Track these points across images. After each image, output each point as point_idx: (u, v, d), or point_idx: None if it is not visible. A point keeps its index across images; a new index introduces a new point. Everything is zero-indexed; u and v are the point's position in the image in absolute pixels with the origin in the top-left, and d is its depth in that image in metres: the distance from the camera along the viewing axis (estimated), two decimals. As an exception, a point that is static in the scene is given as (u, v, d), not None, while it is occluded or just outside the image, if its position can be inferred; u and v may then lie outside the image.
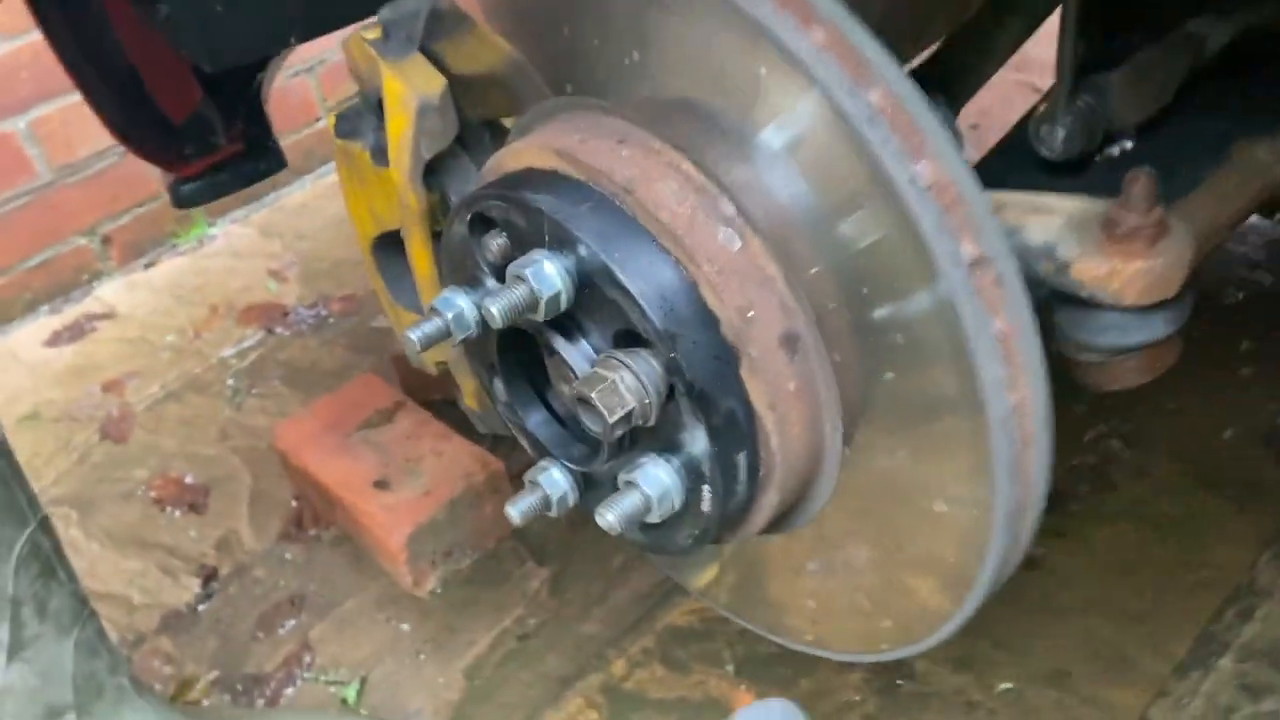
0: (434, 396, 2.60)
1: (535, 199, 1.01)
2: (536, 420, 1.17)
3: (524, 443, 1.22)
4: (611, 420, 0.94)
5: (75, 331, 3.14)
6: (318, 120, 3.69)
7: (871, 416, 0.99)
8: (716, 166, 0.97)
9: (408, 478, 2.27)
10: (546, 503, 1.12)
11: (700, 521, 1.04)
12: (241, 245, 3.42)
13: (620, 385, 0.95)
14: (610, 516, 1.00)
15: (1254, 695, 1.72)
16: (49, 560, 1.48)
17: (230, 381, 2.86)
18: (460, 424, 2.39)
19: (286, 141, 3.50)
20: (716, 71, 0.93)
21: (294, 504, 2.45)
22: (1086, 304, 0.99)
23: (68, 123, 3.10)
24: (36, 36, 2.97)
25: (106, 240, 3.32)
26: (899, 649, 1.14)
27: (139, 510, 2.50)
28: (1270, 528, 2.00)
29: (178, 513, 2.50)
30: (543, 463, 1.13)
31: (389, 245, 1.37)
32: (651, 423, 0.97)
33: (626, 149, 1.01)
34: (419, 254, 1.25)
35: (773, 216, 0.96)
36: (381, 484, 2.26)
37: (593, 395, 0.95)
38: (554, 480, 1.12)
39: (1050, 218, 1.01)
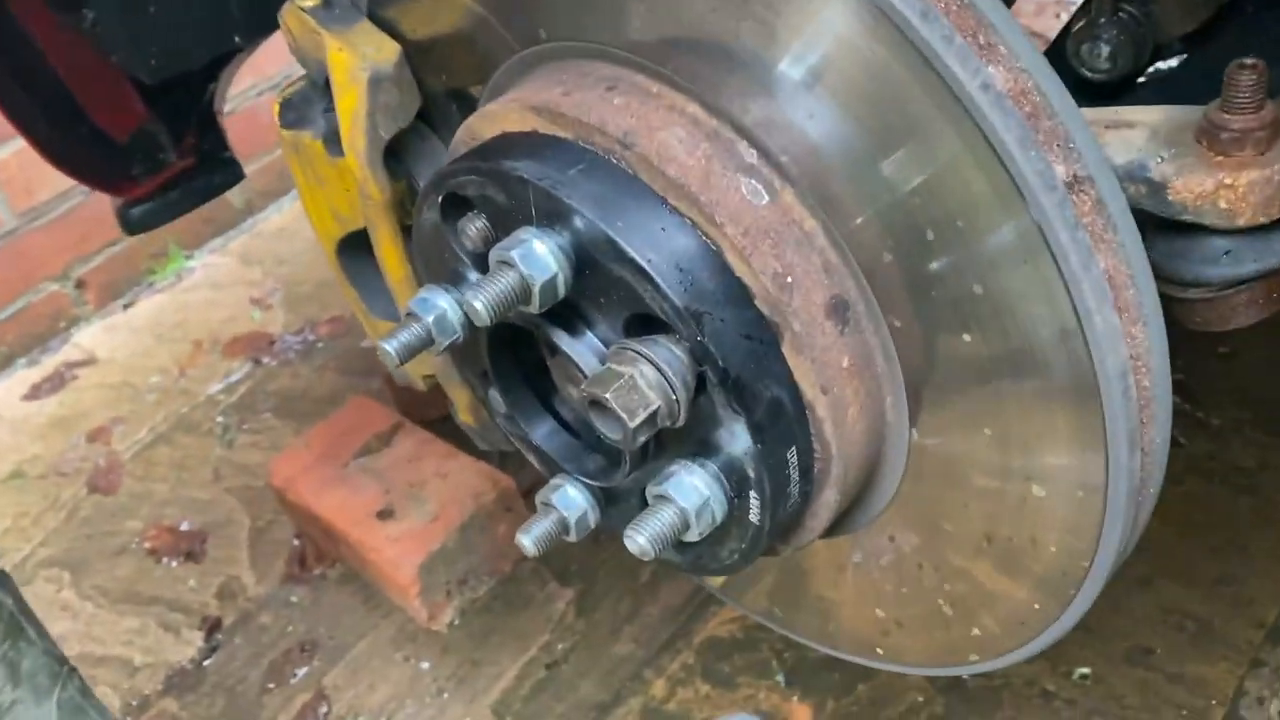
0: (432, 415, 2.46)
1: (515, 166, 0.84)
2: (543, 432, 1.00)
3: (531, 459, 1.06)
4: (633, 425, 0.77)
5: (55, 382, 3.00)
6: (290, 139, 3.53)
7: (944, 390, 0.82)
8: (730, 105, 0.80)
9: (412, 504, 2.14)
10: (563, 526, 0.95)
11: (748, 534, 0.87)
12: (221, 275, 3.28)
13: (639, 382, 0.78)
14: (641, 539, 0.83)
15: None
16: (13, 619, 1.39)
17: (220, 419, 2.73)
18: (464, 441, 2.26)
19: (258, 164, 3.36)
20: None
21: (296, 542, 2.33)
22: (1188, 230, 0.82)
23: (25, 165, 2.95)
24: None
25: (80, 284, 3.17)
26: (992, 659, 0.97)
27: (133, 564, 2.37)
28: (1356, 470, 1.88)
29: (174, 563, 2.38)
30: (555, 480, 0.97)
31: (356, 248, 1.21)
32: (680, 423, 0.80)
33: (619, 96, 0.84)
34: (389, 252, 1.08)
35: (804, 159, 0.79)
36: (385, 513, 2.14)
37: (607, 397, 0.78)
38: (570, 500, 0.95)
39: (1132, 132, 0.84)
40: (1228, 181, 0.79)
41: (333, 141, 1.08)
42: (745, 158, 0.81)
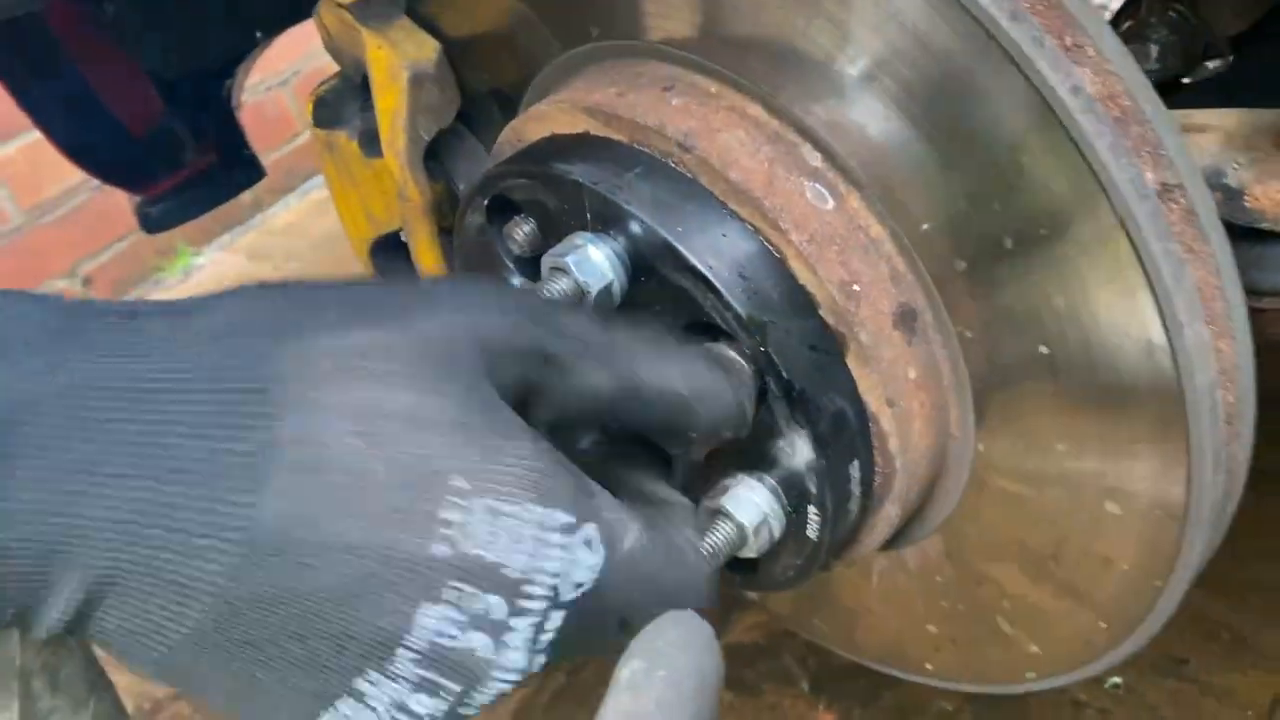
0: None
1: (569, 170, 0.81)
2: (588, 442, 0.97)
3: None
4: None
5: (62, 380, 2.97)
6: (296, 136, 3.50)
7: (1015, 403, 0.79)
8: (793, 106, 0.77)
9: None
10: (609, 540, 0.92)
11: (805, 550, 0.84)
12: (230, 272, 3.25)
13: None
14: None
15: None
16: None
17: (229, 418, 2.69)
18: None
19: (266, 160, 3.32)
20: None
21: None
22: (1266, 237, 0.80)
23: (34, 161, 2.92)
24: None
25: (88, 281, 3.14)
26: (1051, 677, 0.94)
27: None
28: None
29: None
30: (599, 491, 0.93)
31: (389, 250, 1.17)
32: (745, 433, 0.77)
33: (676, 96, 0.81)
34: (426, 255, 1.05)
35: (871, 162, 0.76)
36: (402, 515, 2.10)
37: None
38: (616, 512, 0.92)
39: (1204, 136, 0.81)
40: (1310, 188, 0.76)
41: (368, 141, 1.05)
42: (809, 161, 0.78)
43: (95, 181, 3.05)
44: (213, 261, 3.33)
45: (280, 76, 3.40)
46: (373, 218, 1.10)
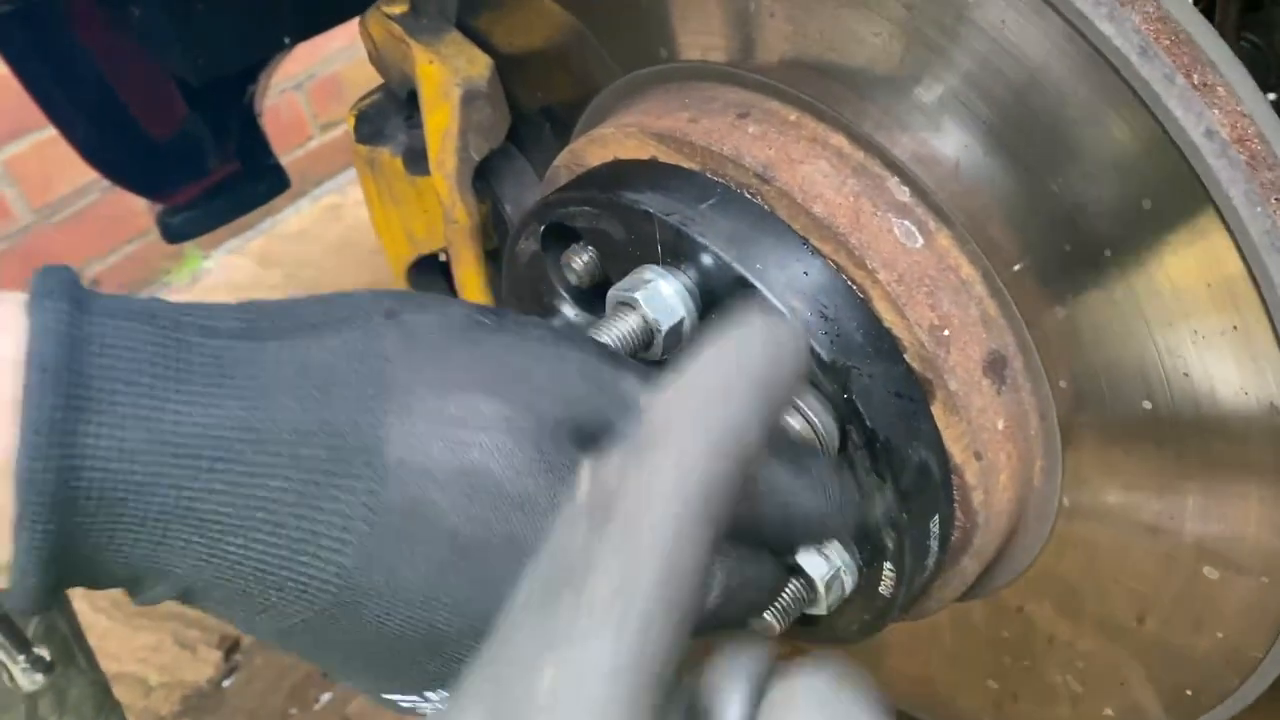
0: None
1: (639, 199, 0.76)
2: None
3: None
4: None
5: (67, 383, 2.92)
6: (309, 140, 3.46)
7: (1110, 458, 0.74)
8: (876, 136, 0.73)
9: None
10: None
11: (874, 606, 0.80)
12: (240, 277, 3.19)
13: (786, 431, 0.71)
14: (766, 614, 0.75)
15: None
16: (66, 644, 1.30)
17: (239, 427, 2.64)
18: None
19: (279, 163, 3.29)
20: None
21: (319, 560, 2.24)
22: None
23: (45, 160, 2.87)
24: (4, 70, 2.76)
25: (95, 282, 3.09)
26: (1123, 742, 0.90)
27: (148, 577, 2.29)
28: None
29: (191, 577, 2.28)
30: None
31: (426, 270, 1.13)
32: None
33: (753, 124, 0.76)
34: (470, 278, 1.01)
35: (964, 199, 0.71)
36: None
37: None
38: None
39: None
40: None
41: (413, 159, 1.00)
42: (897, 196, 0.73)
43: (106, 182, 3.02)
44: (221, 266, 3.28)
45: (294, 80, 3.35)
46: (413, 238, 1.05)
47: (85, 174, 2.97)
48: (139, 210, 3.12)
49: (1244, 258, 0.60)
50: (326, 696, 1.99)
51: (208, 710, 2.03)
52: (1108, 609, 0.82)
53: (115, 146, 1.43)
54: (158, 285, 3.20)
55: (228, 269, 3.24)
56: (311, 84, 3.38)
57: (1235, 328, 0.63)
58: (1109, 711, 0.88)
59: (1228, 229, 0.60)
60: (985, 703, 0.99)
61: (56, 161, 2.90)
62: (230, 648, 2.13)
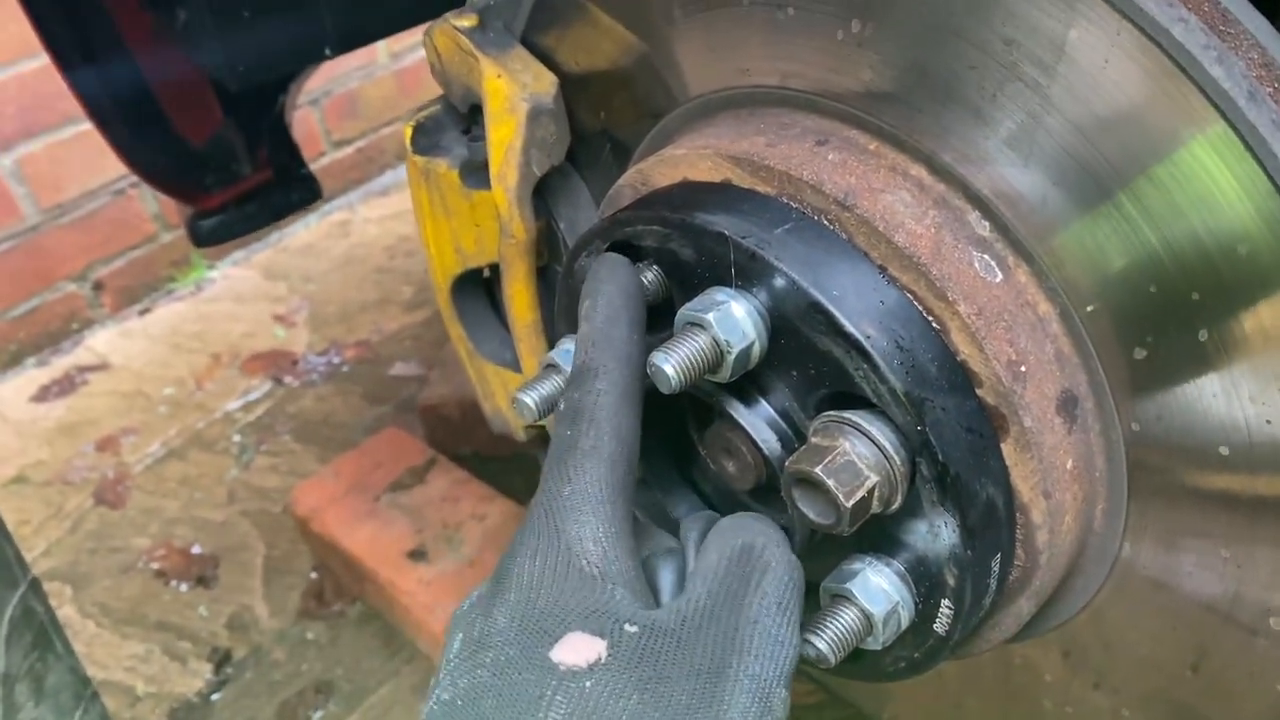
0: (464, 450, 2.38)
1: (713, 221, 0.76)
2: (685, 508, 0.92)
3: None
4: (849, 504, 0.69)
5: (65, 385, 2.90)
6: (322, 155, 3.46)
7: (1178, 504, 0.74)
8: (958, 168, 0.73)
9: (447, 547, 2.05)
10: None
11: (926, 643, 0.79)
12: (244, 289, 3.19)
13: (854, 457, 0.70)
14: (822, 645, 0.74)
15: None
16: (44, 630, 1.29)
17: (236, 438, 2.63)
18: (503, 482, 2.17)
19: (291, 177, 3.29)
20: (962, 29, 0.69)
21: (313, 575, 2.23)
22: None
23: (56, 161, 2.87)
24: (21, 69, 2.76)
25: (98, 285, 3.08)
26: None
27: (140, 584, 2.28)
28: None
29: (184, 586, 2.28)
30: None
31: (469, 283, 1.12)
32: (895, 508, 0.72)
33: (833, 151, 0.76)
34: (519, 294, 1.00)
35: (1040, 234, 0.71)
36: (418, 554, 2.05)
37: (817, 472, 0.69)
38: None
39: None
40: None
41: (470, 172, 1.00)
42: (977, 229, 0.73)
43: (115, 186, 3.01)
44: (225, 276, 3.27)
45: (310, 95, 3.35)
46: (461, 251, 1.05)
47: (95, 177, 2.98)
48: (146, 216, 3.12)
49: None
50: (318, 714, 1.97)
51: (194, 723, 2.00)
52: (1160, 658, 0.81)
53: (152, 148, 1.42)
54: (161, 292, 3.19)
55: (232, 280, 3.23)
56: (327, 100, 3.39)
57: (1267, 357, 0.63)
58: (1153, 760, 0.88)
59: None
60: (1020, 747, 0.98)
61: (67, 163, 2.90)
62: (221, 660, 2.10)
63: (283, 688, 2.03)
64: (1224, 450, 0.69)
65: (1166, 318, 0.68)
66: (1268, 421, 0.66)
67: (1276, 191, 0.59)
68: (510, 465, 2.29)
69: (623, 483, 0.69)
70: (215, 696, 2.04)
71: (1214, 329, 0.66)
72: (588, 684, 0.59)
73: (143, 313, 3.14)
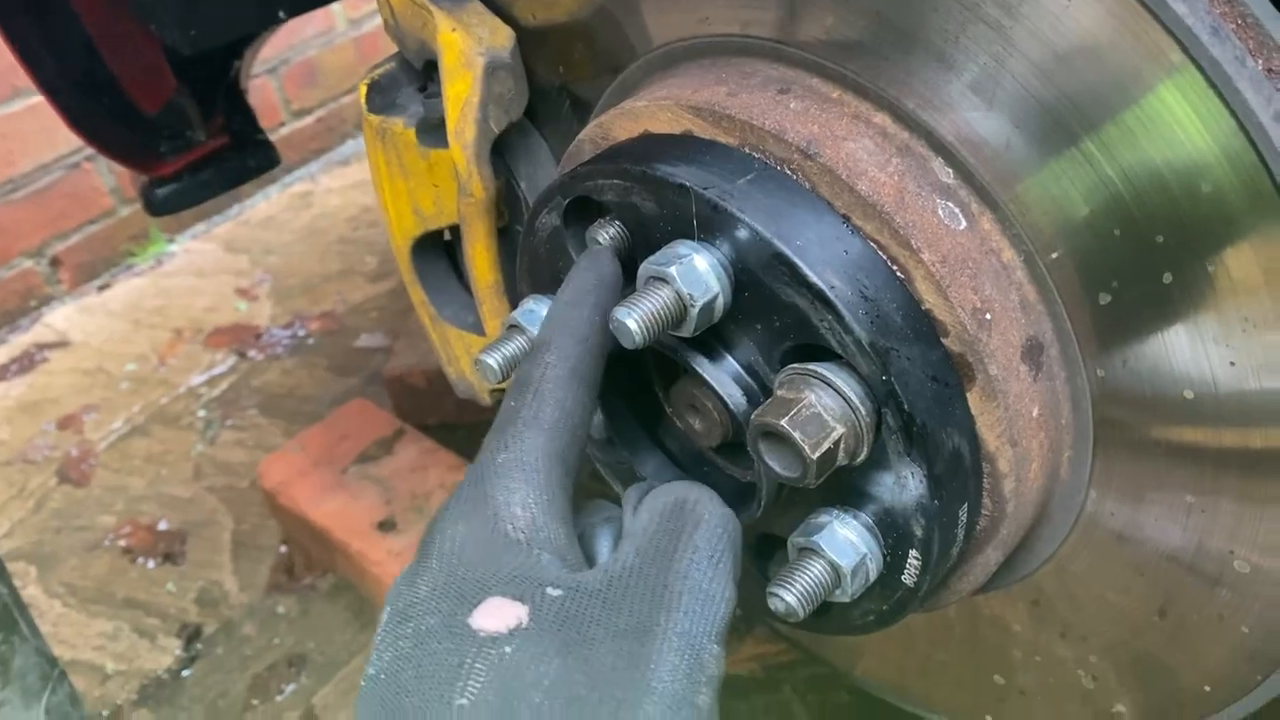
0: (432, 421, 2.36)
1: (673, 173, 0.74)
2: (652, 467, 0.91)
3: (620, 490, 0.96)
4: (815, 456, 0.68)
5: (24, 363, 2.85)
6: (281, 125, 3.41)
7: (1144, 450, 0.74)
8: (925, 116, 0.72)
9: (416, 517, 2.04)
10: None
11: (894, 595, 0.78)
12: (204, 262, 3.14)
13: (819, 409, 0.69)
14: (790, 598, 0.74)
15: None
16: (7, 611, 1.27)
17: (201, 413, 2.60)
18: (470, 452, 2.15)
19: (250, 148, 3.24)
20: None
21: (282, 549, 2.21)
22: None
23: (7, 134, 2.81)
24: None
25: (55, 261, 3.02)
26: (1133, 739, 0.89)
27: (107, 562, 2.25)
28: None
29: (151, 563, 2.25)
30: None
31: (429, 246, 1.10)
32: (861, 460, 0.71)
33: (795, 100, 0.75)
34: (480, 255, 0.98)
35: (1004, 180, 0.70)
36: (387, 525, 2.03)
37: (783, 425, 0.68)
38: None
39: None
40: None
41: (426, 130, 0.98)
42: (940, 176, 0.72)
43: (70, 159, 2.96)
44: (186, 250, 3.22)
45: (268, 64, 3.30)
46: (420, 212, 1.03)
47: (49, 150, 2.92)
48: (103, 190, 3.07)
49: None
50: (290, 687, 1.95)
51: (165, 700, 1.98)
52: (1127, 603, 0.82)
53: (102, 115, 1.39)
54: (120, 267, 3.14)
55: (193, 254, 3.19)
56: (286, 69, 3.33)
57: (1244, 304, 0.63)
58: (1120, 709, 0.88)
59: (1290, 216, 0.60)
60: (989, 698, 0.98)
61: (19, 137, 2.84)
62: (191, 636, 2.08)
63: (254, 662, 2.02)
64: (1188, 394, 0.69)
65: (1131, 262, 0.68)
66: (1231, 363, 0.66)
67: (1240, 127, 0.59)
68: (477, 433, 2.27)
69: (562, 453, 0.68)
70: (186, 673, 2.02)
71: (1178, 272, 0.65)
72: (508, 650, 0.57)
73: (102, 288, 3.09)
